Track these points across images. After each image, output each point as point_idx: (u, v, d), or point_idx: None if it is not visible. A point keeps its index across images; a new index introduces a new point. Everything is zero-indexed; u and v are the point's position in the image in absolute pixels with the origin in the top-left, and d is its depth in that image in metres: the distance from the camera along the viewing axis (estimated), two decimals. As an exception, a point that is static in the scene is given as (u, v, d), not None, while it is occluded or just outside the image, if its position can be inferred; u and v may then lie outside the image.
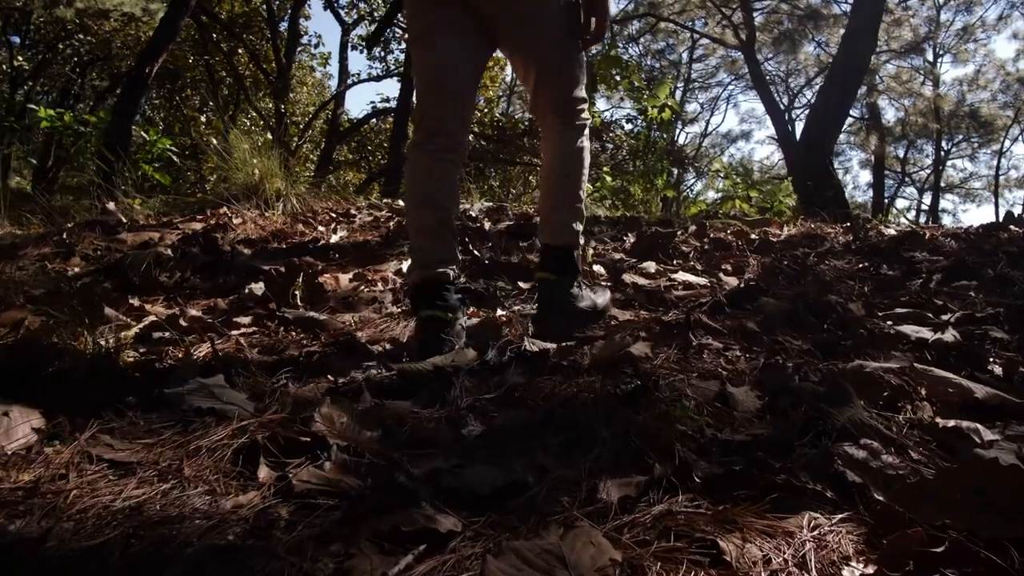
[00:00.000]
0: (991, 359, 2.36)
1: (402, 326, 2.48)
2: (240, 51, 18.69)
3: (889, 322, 2.81)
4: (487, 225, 4.64)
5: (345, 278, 3.01)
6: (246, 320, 2.45)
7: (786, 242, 4.26)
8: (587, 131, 2.58)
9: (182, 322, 2.33)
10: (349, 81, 20.01)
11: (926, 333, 2.59)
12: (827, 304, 2.96)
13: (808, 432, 1.65)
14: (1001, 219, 5.05)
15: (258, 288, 2.77)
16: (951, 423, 1.79)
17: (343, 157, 25.80)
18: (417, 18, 2.36)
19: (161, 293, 2.90)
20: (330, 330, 2.24)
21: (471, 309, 2.69)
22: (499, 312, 2.69)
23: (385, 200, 6.03)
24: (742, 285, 3.25)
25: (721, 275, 3.44)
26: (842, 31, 22.33)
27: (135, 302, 2.58)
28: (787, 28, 18.83)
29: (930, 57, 29.85)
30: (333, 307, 2.67)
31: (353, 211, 4.96)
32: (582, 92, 2.54)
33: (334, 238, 3.90)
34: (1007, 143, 32.12)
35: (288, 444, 1.34)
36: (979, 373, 2.23)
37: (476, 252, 3.60)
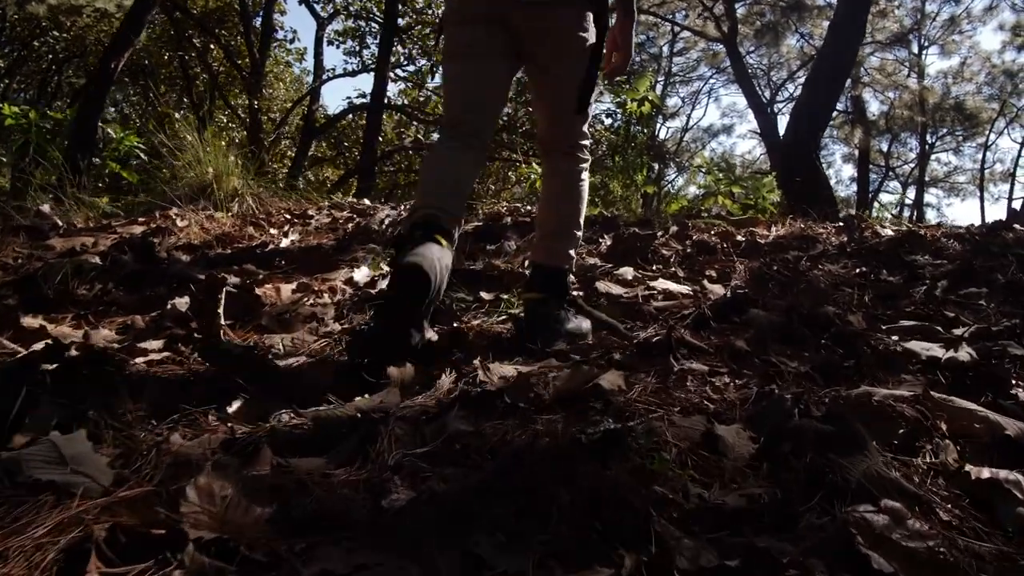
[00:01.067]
0: (1014, 381, 2.07)
1: (338, 351, 2.15)
2: (212, 47, 18.21)
3: (895, 337, 2.52)
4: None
5: (287, 289, 2.68)
6: (157, 344, 2.10)
7: (775, 244, 3.96)
8: (586, 167, 2.64)
9: (91, 345, 1.99)
10: (324, 76, 19.60)
11: (937, 351, 2.30)
12: (824, 316, 2.67)
13: (815, 489, 1.34)
14: (1006, 215, 4.75)
15: (182, 303, 2.43)
16: (984, 473, 1.48)
17: (321, 153, 25.36)
18: (455, 37, 2.47)
19: (75, 308, 2.55)
20: (247, 360, 1.90)
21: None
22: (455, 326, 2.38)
23: (350, 199, 5.69)
24: (729, 294, 2.94)
25: (705, 282, 3.12)
26: (826, 23, 22.12)
27: (32, 321, 2.23)
28: (770, 20, 18.55)
29: (915, 49, 29.74)
30: (264, 325, 2.33)
31: (312, 212, 4.63)
32: (587, 130, 2.63)
33: (284, 242, 3.56)
34: (992, 136, 32.00)
35: (135, 539, 0.99)
36: (1002, 400, 1.93)
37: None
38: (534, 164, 9.86)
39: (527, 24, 2.40)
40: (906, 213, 34.21)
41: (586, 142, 2.64)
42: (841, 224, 4.60)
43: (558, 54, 2.46)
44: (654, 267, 3.45)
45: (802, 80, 29.69)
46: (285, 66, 24.32)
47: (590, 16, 2.46)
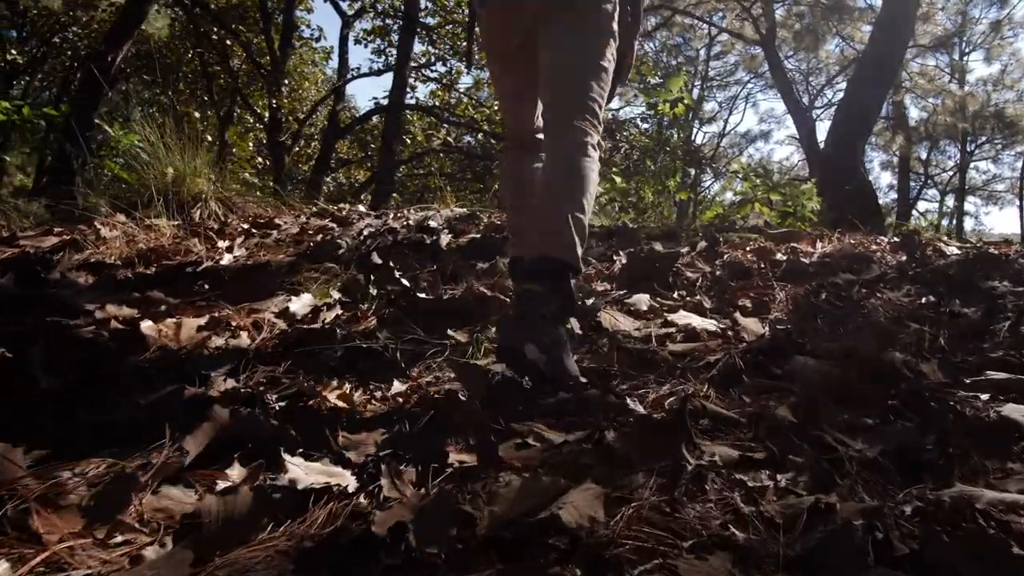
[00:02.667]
0: None
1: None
2: (228, 42, 17.75)
3: (984, 397, 1.91)
4: (444, 240, 3.71)
5: (191, 326, 2.09)
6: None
7: (822, 264, 3.31)
8: (598, 153, 2.31)
9: None
10: (348, 76, 19.10)
11: (1045, 419, 1.70)
12: (890, 365, 2.05)
13: None
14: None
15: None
16: None
17: (351, 155, 24.87)
18: (495, 47, 2.53)
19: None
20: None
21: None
22: (395, 387, 1.76)
23: (344, 206, 5.12)
24: (767, 334, 2.31)
25: (738, 316, 2.49)
26: (867, 27, 21.31)
27: None
28: (809, 22, 17.78)
29: (957, 55, 28.88)
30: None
31: (282, 220, 4.05)
32: (600, 98, 2.35)
33: (227, 259, 2.98)
34: (1032, 146, 31.10)
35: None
36: None
37: (405, 282, 2.67)
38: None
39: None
40: (945, 222, 33.46)
41: (598, 112, 2.34)
42: (898, 240, 3.94)
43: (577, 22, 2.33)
44: (676, 294, 2.83)
45: (842, 86, 28.98)
46: (311, 65, 23.88)
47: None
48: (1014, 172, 33.48)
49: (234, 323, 2.17)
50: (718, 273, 3.03)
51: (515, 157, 2.62)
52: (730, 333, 2.36)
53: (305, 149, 23.32)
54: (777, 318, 2.58)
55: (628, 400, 1.68)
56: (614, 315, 2.45)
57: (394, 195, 25.11)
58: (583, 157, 2.23)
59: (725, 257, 3.32)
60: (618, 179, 9.15)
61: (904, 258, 3.51)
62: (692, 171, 23.34)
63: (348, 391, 1.68)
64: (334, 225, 4.08)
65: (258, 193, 20.14)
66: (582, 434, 1.53)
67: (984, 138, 30.35)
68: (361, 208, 5.22)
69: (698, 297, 2.74)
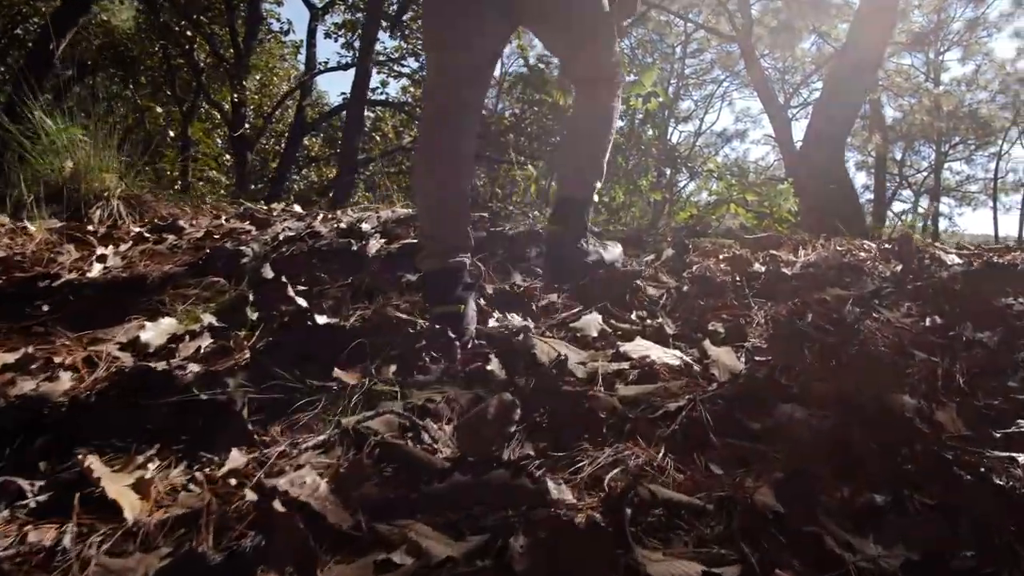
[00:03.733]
0: None
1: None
2: (189, 34, 17.10)
3: (1021, 460, 1.48)
4: (374, 246, 3.23)
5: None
6: None
7: (806, 276, 2.85)
8: (619, 91, 2.64)
9: None
10: (316, 70, 18.50)
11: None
12: (899, 415, 1.61)
13: None
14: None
15: None
16: None
17: (321, 152, 24.22)
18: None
19: None
20: None
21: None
22: (231, 461, 1.28)
23: (276, 206, 4.62)
24: (743, 370, 1.85)
25: (707, 344, 2.03)
26: (844, 25, 20.98)
27: None
28: (786, 17, 17.38)
29: (932, 54, 28.72)
30: None
31: (188, 223, 3.54)
32: (615, 55, 2.55)
33: (95, 269, 2.48)
34: (1005, 146, 31.10)
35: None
36: None
37: (302, 301, 2.18)
38: (530, 167, 8.82)
39: None
40: (920, 223, 33.30)
41: (616, 68, 2.57)
42: (889, 247, 3.49)
43: None
44: (635, 315, 2.36)
45: (817, 86, 28.72)
46: (281, 59, 23.26)
47: None
48: (987, 173, 33.46)
49: (59, 358, 1.68)
50: (685, 289, 2.56)
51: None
52: (696, 369, 1.89)
53: (274, 146, 22.70)
54: (755, 346, 2.12)
55: (550, 482, 1.21)
56: (554, 344, 1.98)
57: (367, 194, 24.56)
58: (609, 106, 2.59)
59: (694, 268, 2.85)
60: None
61: (899, 268, 3.06)
62: (667, 170, 22.95)
63: (153, 472, 1.20)
64: (252, 228, 3.58)
65: (222, 192, 19.56)
66: (478, 541, 1.06)
67: (957, 139, 30.27)
68: (298, 208, 4.73)
69: (660, 320, 2.26)
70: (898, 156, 30.54)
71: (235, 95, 15.83)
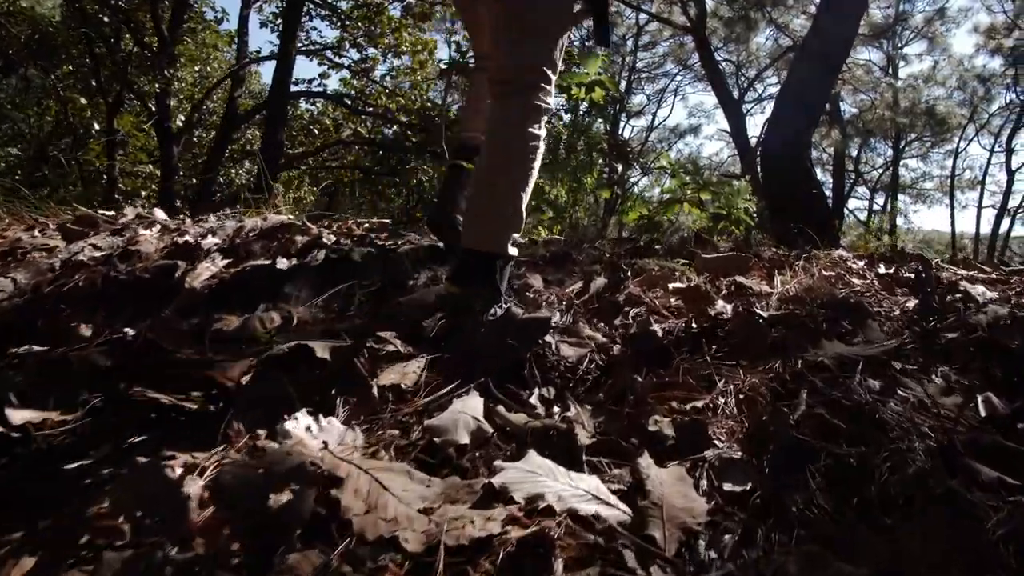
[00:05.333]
0: None
1: None
2: (106, 19, 15.90)
3: None
4: (203, 274, 2.35)
5: None
6: None
7: (790, 320, 2.02)
8: (539, 116, 2.11)
9: None
10: (246, 59, 17.40)
11: None
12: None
13: None
14: None
15: None
16: None
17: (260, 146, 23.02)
18: None
19: None
20: None
21: None
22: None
23: (108, 213, 3.71)
24: (703, 524, 1.02)
25: (644, 464, 1.19)
26: (800, 19, 20.39)
27: None
28: (742, 4, 16.70)
29: (890, 48, 28.37)
30: None
31: (26, 234, 2.65)
32: (546, 70, 2.11)
33: None
34: (962, 143, 30.95)
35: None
36: None
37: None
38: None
39: None
40: (875, 220, 33.03)
41: (546, 77, 2.11)
42: (888, 266, 2.70)
43: None
44: (537, 395, 1.51)
45: (772, 79, 28.20)
46: (214, 49, 22.06)
47: None
48: (943, 171, 33.28)
49: None
50: (616, 349, 1.71)
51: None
52: (625, 526, 1.05)
53: (208, 139, 21.48)
54: (722, 459, 1.28)
55: None
56: (387, 477, 1.12)
57: (314, 189, 23.48)
58: (524, 127, 2.07)
59: (632, 314, 2.00)
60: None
61: (913, 303, 2.25)
62: (619, 166, 22.20)
63: None
64: (59, 244, 2.68)
65: (153, 187, 18.37)
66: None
67: (913, 136, 30.00)
68: (160, 214, 3.82)
69: (572, 410, 1.42)
70: (854, 153, 30.20)
71: (157, 85, 14.70)
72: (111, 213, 3.58)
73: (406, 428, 1.40)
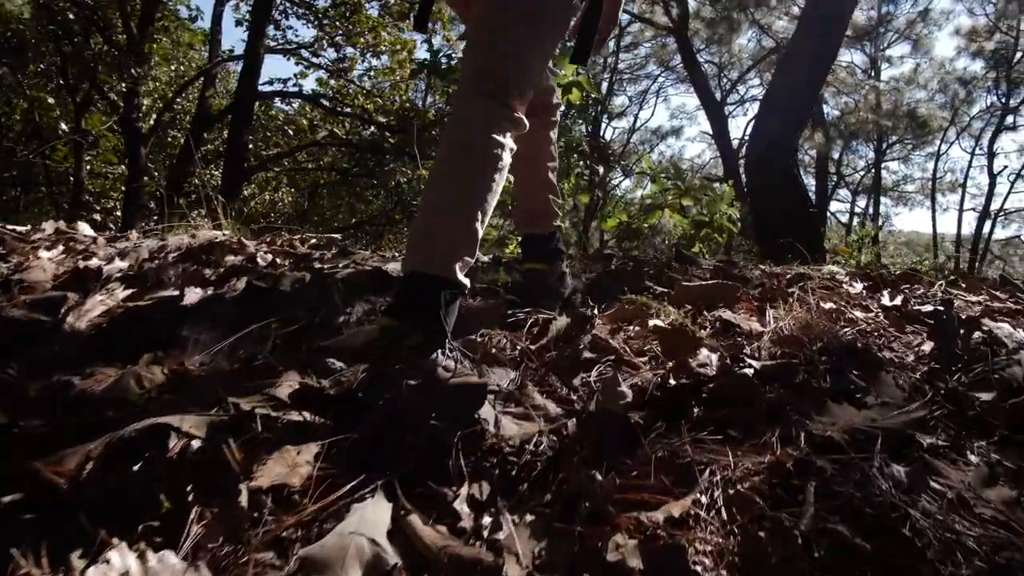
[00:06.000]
0: None
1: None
2: (72, 16, 15.40)
3: None
4: (86, 313, 1.98)
5: None
6: None
7: (786, 373, 1.67)
8: (511, 130, 1.88)
9: None
10: (218, 58, 16.94)
11: None
12: None
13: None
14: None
15: None
16: None
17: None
18: None
19: None
20: None
21: None
22: None
23: (49, 226, 3.35)
24: None
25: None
26: (783, 20, 20.12)
27: None
28: (725, 4, 16.39)
29: (872, 50, 28.22)
30: None
31: None
32: (520, 82, 1.89)
33: None
34: (943, 146, 30.89)
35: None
36: None
37: None
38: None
39: None
40: (855, 222, 32.92)
41: (511, 96, 1.85)
42: (901, 299, 2.35)
43: None
44: (463, 500, 1.15)
45: (755, 81, 27.96)
46: (189, 48, 21.57)
47: None
48: (924, 173, 33.22)
49: None
50: (571, 429, 1.34)
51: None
52: None
53: (156, 138, 20.92)
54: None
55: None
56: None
57: (291, 190, 23.00)
58: (489, 131, 1.82)
59: (595, 372, 1.64)
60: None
61: (931, 345, 1.91)
62: (600, 168, 21.84)
63: None
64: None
65: (122, 188, 17.79)
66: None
67: (895, 138, 29.88)
68: (86, 230, 3.44)
69: (505, 530, 1.05)
70: (836, 155, 30.06)
71: (123, 84, 14.22)
72: (23, 229, 3.20)
73: (284, 550, 1.04)
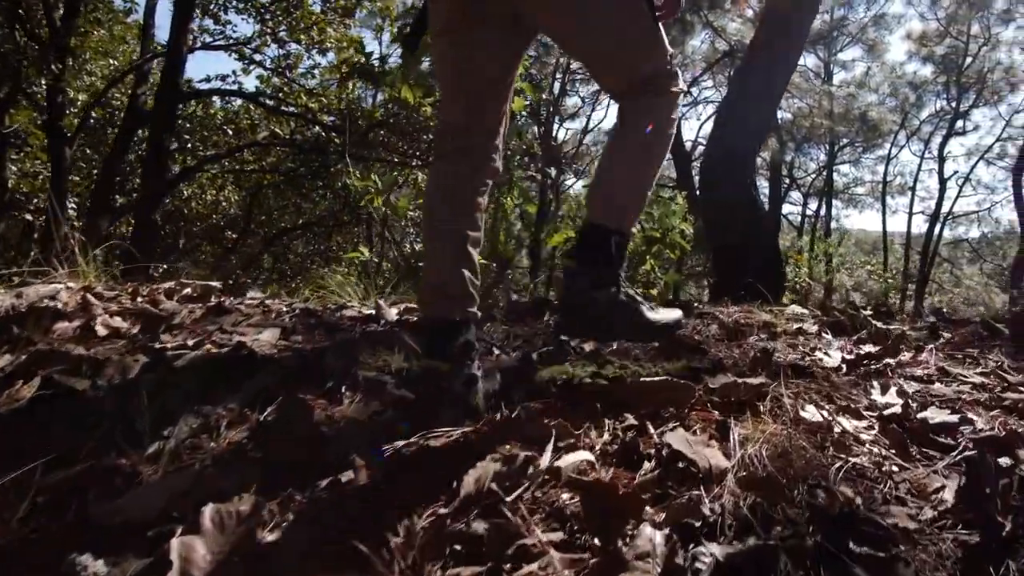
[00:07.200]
0: None
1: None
2: (-13, 8, 14.47)
3: None
4: None
5: None
6: None
7: (755, 566, 1.13)
8: (671, 108, 2.10)
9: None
10: (150, 53, 16.09)
11: None
12: None
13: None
14: None
15: None
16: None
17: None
18: (440, 10, 2.03)
19: None
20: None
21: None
22: None
23: None
24: None
25: None
26: (734, 23, 19.77)
27: None
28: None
29: (825, 54, 28.15)
30: None
31: None
32: (658, 64, 2.04)
33: None
34: (893, 149, 31.01)
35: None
36: None
37: None
38: (374, 176, 7.08)
39: None
40: (806, 224, 32.92)
41: (662, 79, 2.04)
42: (902, 405, 1.83)
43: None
44: None
45: (707, 84, 27.67)
46: (123, 42, 20.63)
47: None
48: (874, 176, 33.32)
49: None
50: None
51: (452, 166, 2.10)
52: None
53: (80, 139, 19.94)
54: None
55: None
56: None
57: (238, 189, 22.12)
58: (653, 125, 2.06)
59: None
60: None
61: (962, 507, 1.39)
62: (552, 171, 21.35)
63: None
64: None
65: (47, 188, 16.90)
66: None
67: (846, 141, 29.88)
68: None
69: None
70: (788, 158, 29.94)
71: (44, 80, 13.36)
72: None
73: None
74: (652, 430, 1.65)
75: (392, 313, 2.92)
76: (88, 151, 19.25)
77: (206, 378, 1.88)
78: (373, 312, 2.93)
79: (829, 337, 3.14)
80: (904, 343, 2.86)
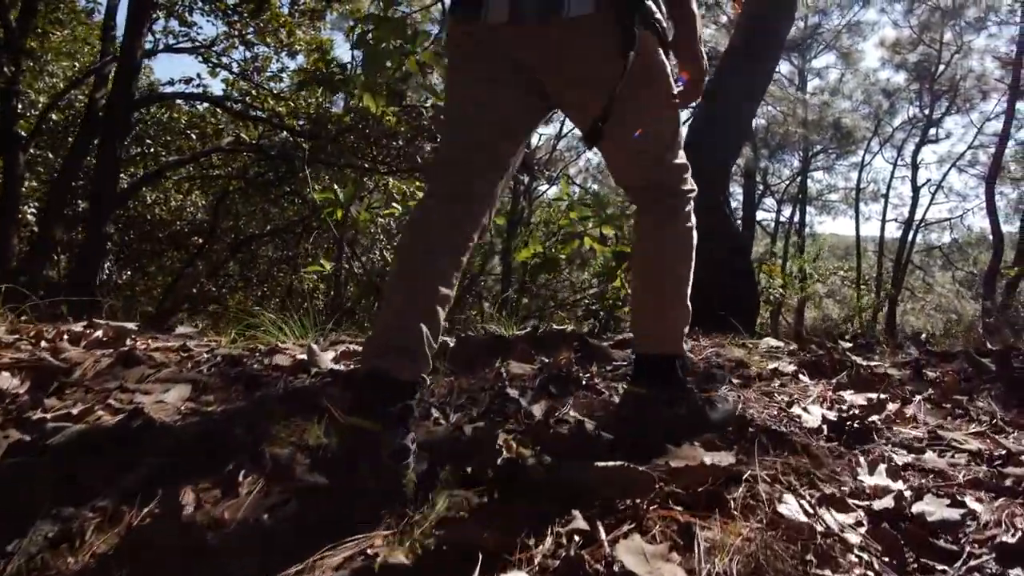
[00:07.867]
0: None
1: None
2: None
3: None
4: None
5: None
6: None
7: None
8: (690, 207, 2.11)
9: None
10: (111, 55, 15.64)
11: None
12: None
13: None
14: None
15: None
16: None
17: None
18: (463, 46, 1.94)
19: None
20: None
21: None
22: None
23: None
24: None
25: None
26: (708, 29, 19.61)
27: None
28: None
29: (799, 61, 28.10)
30: None
31: None
32: (677, 160, 2.09)
33: None
34: (867, 156, 31.05)
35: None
36: None
37: None
38: (336, 187, 6.85)
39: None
40: (780, 231, 32.88)
41: (682, 175, 2.09)
42: (894, 498, 1.58)
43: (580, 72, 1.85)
44: None
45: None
46: (83, 44, 20.13)
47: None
48: (848, 183, 33.36)
49: None
50: None
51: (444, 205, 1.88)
52: None
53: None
54: None
55: None
56: None
57: (205, 194, 21.62)
58: (678, 231, 2.08)
59: None
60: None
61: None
62: (525, 178, 21.04)
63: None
64: None
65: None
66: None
67: (819, 148, 29.87)
68: None
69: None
70: (762, 164, 29.87)
71: (-3, 84, 12.90)
72: None
73: None
74: (603, 535, 1.38)
75: (327, 360, 2.63)
76: (50, 155, 18.74)
77: (84, 462, 1.59)
78: (305, 357, 2.64)
79: (806, 380, 2.90)
80: (889, 391, 2.62)
